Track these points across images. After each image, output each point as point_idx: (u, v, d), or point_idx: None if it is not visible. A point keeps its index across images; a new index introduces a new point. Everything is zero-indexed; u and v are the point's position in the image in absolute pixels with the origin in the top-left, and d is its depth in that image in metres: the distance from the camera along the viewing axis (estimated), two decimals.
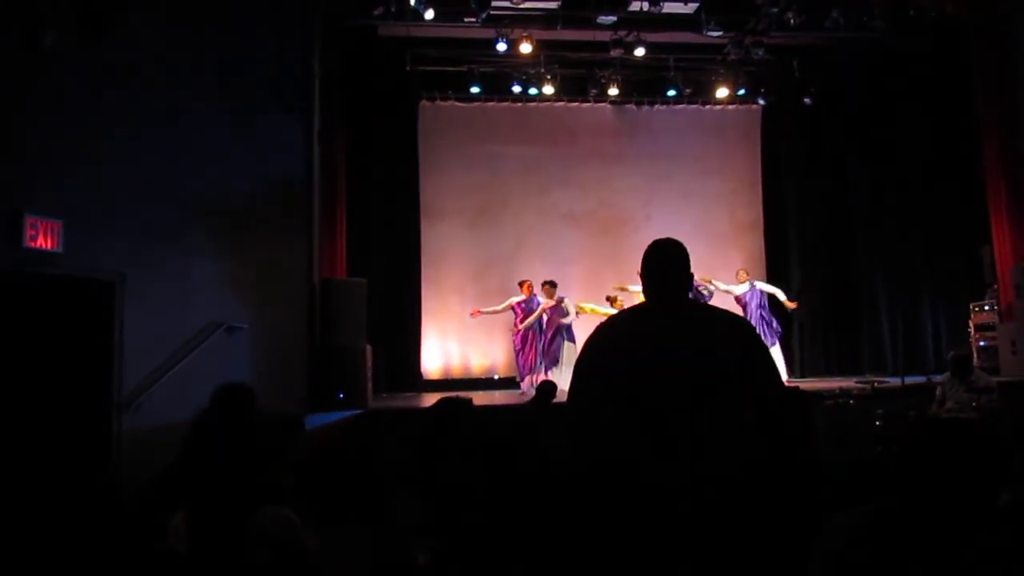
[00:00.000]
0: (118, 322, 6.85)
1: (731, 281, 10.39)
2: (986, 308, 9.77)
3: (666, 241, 3.04)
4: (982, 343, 9.70)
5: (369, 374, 9.17)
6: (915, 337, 10.97)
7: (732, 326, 2.80)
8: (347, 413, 8.43)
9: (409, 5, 9.47)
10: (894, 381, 8.51)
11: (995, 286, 9.71)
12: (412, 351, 11.22)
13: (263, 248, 8.16)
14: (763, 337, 10.14)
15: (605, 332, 3.03)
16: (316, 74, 8.80)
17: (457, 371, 11.64)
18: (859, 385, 8.31)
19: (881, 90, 11.18)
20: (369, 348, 9.22)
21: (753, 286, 10.36)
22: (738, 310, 10.43)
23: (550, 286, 10.27)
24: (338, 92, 9.53)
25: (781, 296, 10.26)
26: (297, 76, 8.52)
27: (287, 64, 8.40)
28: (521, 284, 10.58)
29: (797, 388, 8.95)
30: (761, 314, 10.18)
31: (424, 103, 11.52)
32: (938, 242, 10.93)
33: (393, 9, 9.64)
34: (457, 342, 11.68)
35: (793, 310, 10.59)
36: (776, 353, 10.34)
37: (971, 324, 9.92)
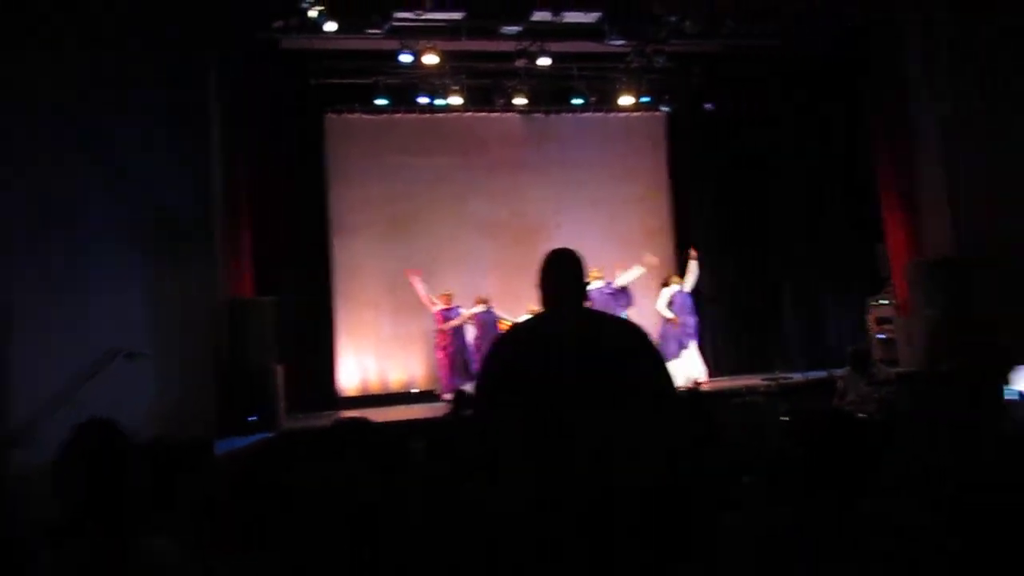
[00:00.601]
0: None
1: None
2: (883, 303, 10.17)
3: (561, 251, 3.06)
4: (881, 336, 10.09)
5: (281, 394, 8.98)
6: (820, 333, 11.36)
7: (626, 332, 2.84)
8: (259, 436, 8.22)
9: (310, 18, 9.33)
10: (798, 377, 8.78)
11: (891, 281, 10.12)
12: (327, 368, 11.03)
13: (165, 270, 7.91)
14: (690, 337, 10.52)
15: (504, 344, 3.03)
16: (214, 89, 8.57)
17: (375, 386, 11.49)
18: (765, 382, 8.55)
19: (780, 94, 11.54)
20: (281, 368, 9.02)
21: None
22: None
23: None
24: (239, 107, 9.30)
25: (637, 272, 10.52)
26: (194, 92, 8.29)
27: (183, 80, 8.17)
28: (441, 295, 10.62)
29: (697, 389, 9.18)
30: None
31: (330, 116, 11.36)
32: (839, 240, 11.33)
33: (294, 22, 9.49)
34: (374, 357, 11.52)
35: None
36: (694, 352, 10.61)
37: (870, 319, 10.32)
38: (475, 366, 10.40)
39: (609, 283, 10.58)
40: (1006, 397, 4.14)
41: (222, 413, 8.22)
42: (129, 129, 7.84)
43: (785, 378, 8.73)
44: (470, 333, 10.82)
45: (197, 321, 8.16)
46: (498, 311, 10.75)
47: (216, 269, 8.50)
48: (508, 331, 3.35)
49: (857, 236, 11.02)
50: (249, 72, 9.71)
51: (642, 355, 2.73)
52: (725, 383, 9.97)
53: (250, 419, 8.48)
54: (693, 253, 10.78)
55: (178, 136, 8.13)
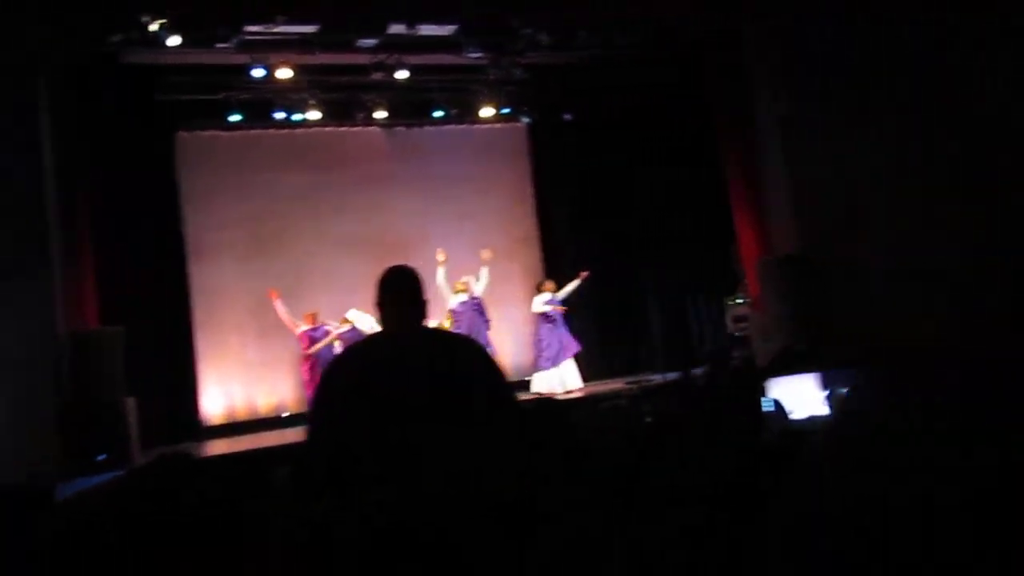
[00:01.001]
0: None
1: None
2: (739, 301, 10.59)
3: (397, 269, 3.03)
4: (738, 334, 10.49)
5: (134, 430, 8.50)
6: (684, 333, 11.69)
7: (465, 348, 2.82)
8: (109, 475, 7.74)
9: (151, 32, 8.92)
10: (657, 379, 9.00)
11: (745, 280, 10.54)
12: (188, 397, 10.54)
13: None
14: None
15: (341, 364, 2.95)
16: (45, 108, 8.05)
17: (242, 413, 11.05)
18: (627, 386, 8.73)
19: (636, 101, 11.79)
20: (133, 401, 8.54)
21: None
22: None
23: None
24: (76, 126, 8.77)
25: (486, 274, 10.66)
26: (22, 112, 7.77)
27: (8, 99, 7.64)
28: (306, 315, 10.36)
29: (549, 399, 9.28)
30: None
31: (181, 134, 10.89)
32: (697, 241, 11.68)
33: (135, 36, 9.05)
34: (240, 382, 11.09)
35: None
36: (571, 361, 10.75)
37: (728, 318, 10.72)
38: None
39: (474, 297, 10.56)
40: (763, 408, 4.21)
41: (67, 454, 7.70)
42: None
43: (646, 380, 8.94)
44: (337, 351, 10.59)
45: (38, 356, 7.65)
46: (365, 329, 10.56)
47: (57, 299, 7.98)
48: (345, 351, 3.28)
49: (714, 237, 11.39)
50: (88, 89, 9.19)
51: (481, 371, 2.74)
52: (593, 389, 10.14)
53: (99, 458, 7.99)
54: (485, 255, 10.73)
55: (5, 159, 7.60)
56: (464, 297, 10.44)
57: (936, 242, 8.03)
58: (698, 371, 8.40)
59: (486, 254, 10.71)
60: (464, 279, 10.57)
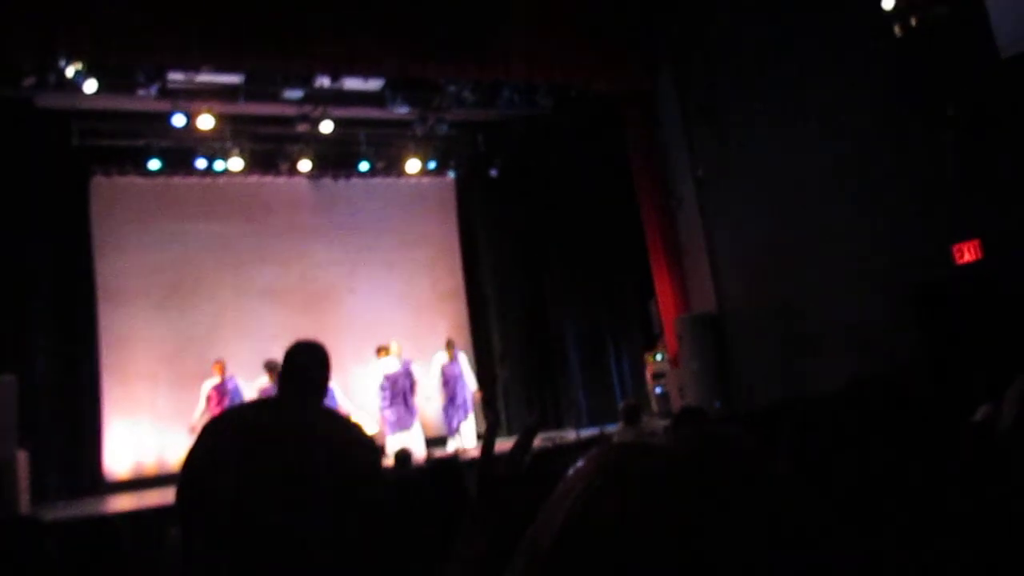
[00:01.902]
0: None
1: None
2: (658, 357, 10.70)
3: (302, 344, 3.07)
4: (658, 390, 10.58)
5: (23, 484, 8.09)
6: (605, 389, 11.73)
7: (342, 429, 2.77)
8: None
9: (68, 76, 8.86)
10: (572, 436, 8.99)
11: (663, 337, 10.67)
12: (91, 450, 10.13)
13: None
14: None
15: (209, 432, 2.88)
16: None
17: (150, 468, 10.67)
18: (543, 444, 8.70)
19: (558, 158, 12.03)
20: (24, 455, 8.18)
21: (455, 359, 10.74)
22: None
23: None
24: None
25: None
26: None
27: None
28: (214, 364, 10.08)
29: (446, 460, 9.14)
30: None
31: (98, 179, 10.72)
32: (617, 297, 11.84)
33: (51, 80, 8.97)
34: (150, 434, 10.73)
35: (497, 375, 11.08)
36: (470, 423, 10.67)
37: (647, 373, 10.81)
38: None
39: (408, 362, 10.48)
40: None
41: None
42: None
43: (561, 438, 8.92)
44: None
45: None
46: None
47: None
48: (218, 416, 3.18)
49: (635, 293, 11.54)
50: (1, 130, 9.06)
51: (352, 454, 2.72)
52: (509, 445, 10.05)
53: None
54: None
55: None
56: (397, 365, 10.35)
57: (847, 302, 8.28)
58: (612, 428, 8.42)
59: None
60: (394, 347, 10.50)
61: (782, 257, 9.14)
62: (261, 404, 2.87)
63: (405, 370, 10.39)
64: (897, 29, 7.37)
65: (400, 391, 10.29)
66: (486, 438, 1.49)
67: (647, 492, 0.59)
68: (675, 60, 10.35)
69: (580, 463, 0.64)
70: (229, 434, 2.72)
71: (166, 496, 8.97)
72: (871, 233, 8.00)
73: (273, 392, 10.22)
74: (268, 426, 2.65)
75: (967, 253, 7.15)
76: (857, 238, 8.16)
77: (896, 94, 7.70)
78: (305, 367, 2.77)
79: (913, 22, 7.34)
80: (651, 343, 11.04)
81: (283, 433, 2.61)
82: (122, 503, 9.24)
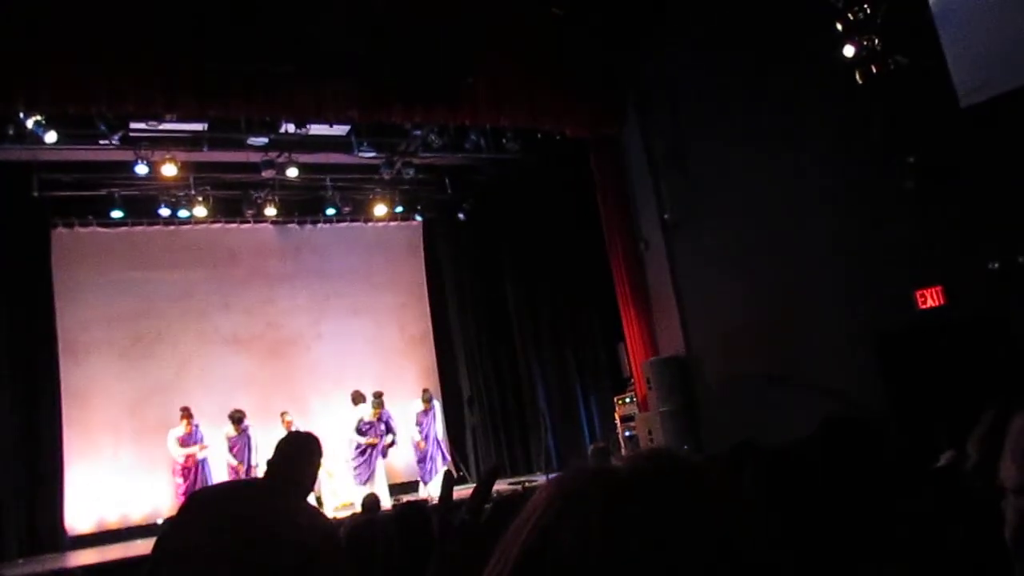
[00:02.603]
0: None
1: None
2: (627, 400, 10.68)
3: (296, 435, 3.03)
4: (627, 433, 10.54)
5: None
6: (574, 432, 11.67)
7: (312, 530, 2.71)
8: None
9: (28, 128, 8.77)
10: (542, 479, 8.92)
11: (633, 380, 10.66)
12: (53, 504, 9.88)
13: None
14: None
15: (185, 515, 2.87)
16: None
17: (113, 521, 10.43)
18: (512, 487, 8.63)
19: (526, 202, 12.05)
20: None
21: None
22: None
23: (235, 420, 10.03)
24: None
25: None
26: None
27: None
28: (181, 411, 9.93)
29: (414, 504, 9.10)
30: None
31: (60, 230, 10.57)
32: (586, 341, 11.81)
33: (11, 132, 8.88)
34: (111, 487, 10.49)
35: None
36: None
37: (616, 416, 10.78)
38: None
39: (387, 415, 10.44)
40: None
41: None
42: None
43: (530, 482, 8.85)
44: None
45: None
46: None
47: None
48: (195, 499, 3.10)
49: (604, 336, 11.55)
50: None
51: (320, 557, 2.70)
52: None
53: None
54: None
55: None
56: (370, 417, 10.32)
57: (815, 347, 8.33)
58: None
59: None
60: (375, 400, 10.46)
61: (751, 302, 9.20)
62: (240, 494, 2.86)
63: (384, 422, 10.33)
64: (858, 76, 7.50)
65: (369, 450, 10.24)
66: (444, 485, 1.46)
67: (608, 511, 0.59)
68: (641, 105, 10.46)
69: (538, 491, 0.64)
70: (202, 524, 2.68)
71: (128, 550, 8.78)
72: (837, 279, 8.10)
73: (238, 443, 10.12)
74: (242, 520, 2.61)
75: (930, 299, 7.24)
76: (824, 283, 8.26)
77: (858, 141, 7.83)
78: (291, 459, 2.76)
79: (874, 70, 7.48)
80: (620, 386, 11.03)
81: (255, 531, 2.57)
82: (84, 557, 9.00)
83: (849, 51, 7.46)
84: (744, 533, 0.60)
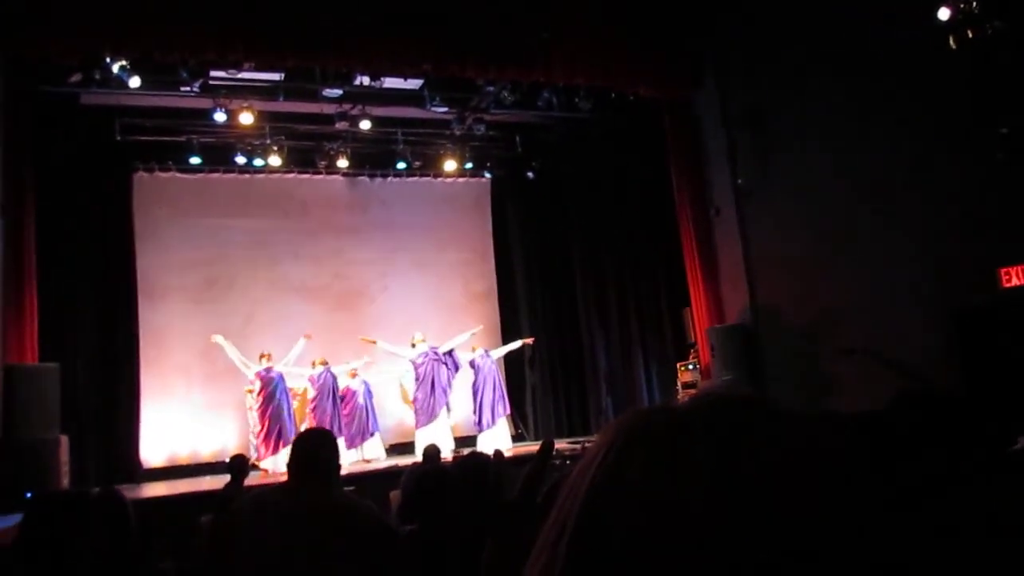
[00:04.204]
0: None
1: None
2: (690, 367, 10.59)
3: (312, 431, 3.16)
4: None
5: (65, 468, 8.32)
6: (633, 396, 11.63)
7: (359, 518, 2.76)
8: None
9: (113, 73, 9.00)
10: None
11: (696, 346, 10.56)
12: (129, 438, 10.33)
13: None
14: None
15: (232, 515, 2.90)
16: None
17: (184, 457, 10.86)
18: (571, 446, 8.68)
19: (595, 163, 11.96)
20: (65, 439, 8.39)
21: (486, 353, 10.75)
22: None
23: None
24: (29, 163, 8.75)
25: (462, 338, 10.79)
26: None
27: None
28: (261, 357, 10.20)
29: (477, 455, 9.18)
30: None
31: (140, 174, 10.88)
32: (650, 305, 11.72)
33: (96, 77, 9.12)
34: (184, 425, 10.91)
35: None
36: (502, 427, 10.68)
37: (678, 382, 10.71)
38: (292, 432, 10.11)
39: (434, 348, 10.55)
40: None
41: None
42: None
43: (590, 441, 8.88)
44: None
45: None
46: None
47: None
48: (243, 501, 3.13)
49: (669, 302, 11.44)
50: (46, 128, 9.20)
51: (366, 541, 2.68)
52: (535, 447, 10.04)
53: (27, 495, 7.81)
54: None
55: None
56: (424, 348, 10.44)
57: (886, 322, 8.11)
58: None
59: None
60: (420, 335, 10.59)
61: (822, 272, 8.98)
62: (280, 491, 2.85)
63: (433, 353, 10.44)
64: (952, 41, 7.15)
65: (428, 376, 10.35)
66: (539, 459, 1.44)
67: (673, 445, 0.58)
68: (719, 67, 10.19)
69: (601, 433, 0.63)
70: (252, 521, 2.72)
71: (197, 485, 9.16)
72: (915, 252, 7.83)
73: (320, 382, 10.35)
74: (289, 516, 2.65)
75: (1015, 277, 6.96)
76: (901, 257, 7.99)
77: (947, 109, 7.50)
78: (315, 452, 2.79)
79: (969, 35, 7.12)
80: (683, 353, 10.93)
81: (303, 525, 2.61)
82: (156, 490, 9.41)
83: (944, 14, 7.11)
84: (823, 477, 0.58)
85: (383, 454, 10.54)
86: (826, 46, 8.66)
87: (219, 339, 9.97)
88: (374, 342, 10.56)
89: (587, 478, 0.60)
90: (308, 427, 9.83)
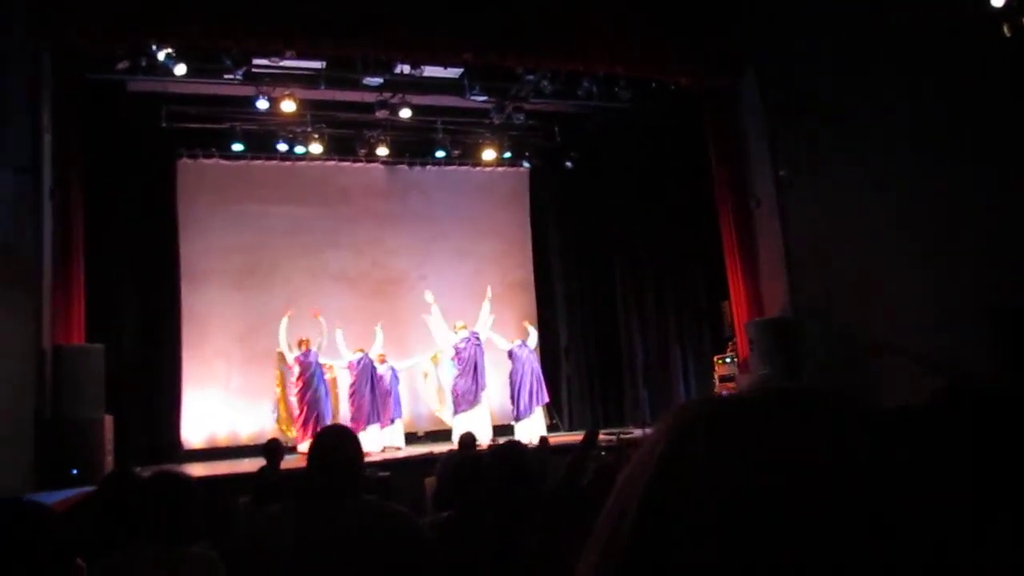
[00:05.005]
0: None
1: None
2: (727, 360, 10.49)
3: (331, 428, 2.96)
4: (724, 393, 10.37)
5: (109, 447, 8.54)
6: (669, 388, 11.56)
7: (395, 527, 2.64)
8: (79, 490, 7.78)
9: (159, 61, 9.16)
10: (638, 432, 8.93)
11: (734, 340, 10.45)
12: (170, 419, 10.56)
13: None
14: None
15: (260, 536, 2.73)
16: (47, 129, 8.25)
17: (223, 439, 11.06)
18: (607, 437, 8.67)
19: (634, 153, 11.86)
20: (110, 419, 8.60)
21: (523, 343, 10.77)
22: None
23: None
24: (78, 148, 8.95)
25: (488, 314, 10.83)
26: (23, 131, 7.96)
27: (9, 119, 7.85)
28: (300, 343, 10.34)
29: (514, 444, 9.22)
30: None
31: (184, 161, 11.08)
32: (688, 297, 11.63)
33: (143, 64, 9.28)
34: (223, 408, 11.11)
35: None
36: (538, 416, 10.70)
37: (715, 375, 10.63)
38: (329, 417, 10.27)
39: (475, 333, 10.62)
40: None
41: (41, 466, 7.77)
42: None
43: (626, 433, 8.88)
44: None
45: (19, 368, 7.75)
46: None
47: (44, 314, 8.11)
48: (268, 518, 2.88)
49: (707, 293, 11.34)
50: (93, 115, 9.40)
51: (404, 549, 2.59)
52: (571, 438, 10.04)
53: (72, 472, 8.04)
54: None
55: (5, 175, 7.79)
56: (466, 334, 10.51)
57: (926, 320, 7.95)
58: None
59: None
60: (461, 322, 10.66)
61: (863, 266, 8.82)
62: (308, 502, 2.67)
63: (474, 339, 10.49)
64: (1006, 29, 6.96)
65: (471, 361, 10.42)
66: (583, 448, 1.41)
67: (738, 430, 0.58)
68: (761, 56, 10.03)
69: (657, 424, 0.63)
70: (285, 537, 2.63)
71: (236, 467, 9.33)
72: (961, 247, 7.65)
73: (359, 368, 10.45)
74: (314, 537, 2.57)
75: None
76: (945, 251, 7.81)
77: (998, 99, 7.30)
78: (337, 449, 2.63)
79: None
80: (720, 345, 10.83)
81: (329, 545, 2.49)
82: (196, 470, 9.59)
83: (998, 1, 6.93)
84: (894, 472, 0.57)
85: (403, 442, 10.63)
86: (871, 34, 8.46)
87: (322, 320, 10.43)
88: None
89: (650, 462, 0.60)
90: (335, 420, 9.98)
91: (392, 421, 10.58)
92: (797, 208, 9.75)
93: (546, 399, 10.77)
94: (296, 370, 10.34)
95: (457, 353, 10.56)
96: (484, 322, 10.72)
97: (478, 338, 10.62)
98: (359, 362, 10.44)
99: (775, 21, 9.78)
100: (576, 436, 10.64)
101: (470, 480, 4.58)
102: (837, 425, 0.59)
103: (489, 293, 10.85)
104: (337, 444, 2.65)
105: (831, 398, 0.62)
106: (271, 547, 2.55)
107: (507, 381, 10.72)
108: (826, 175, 9.32)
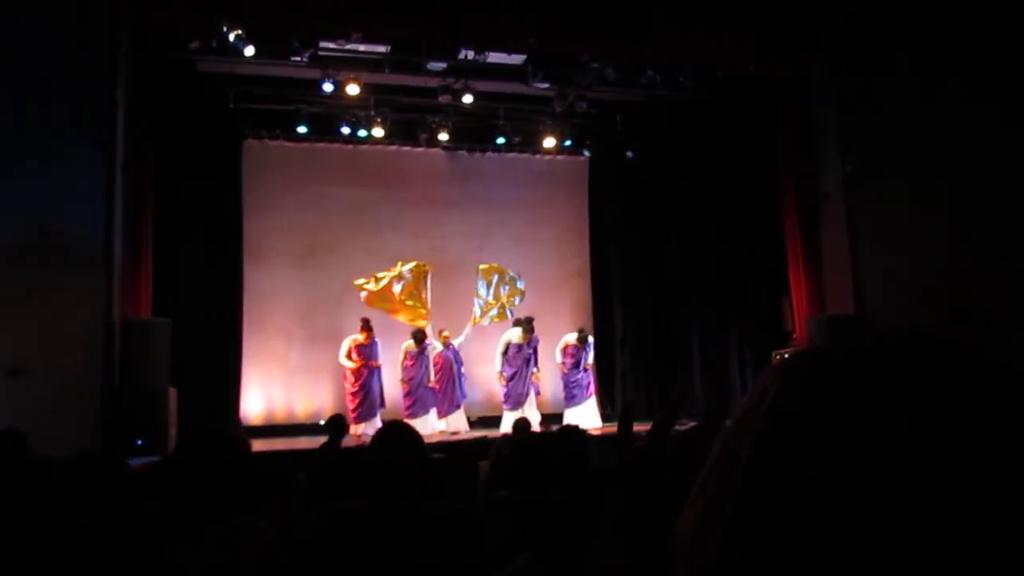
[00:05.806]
0: None
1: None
2: (785, 356, 10.27)
3: (394, 426, 2.89)
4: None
5: (172, 419, 8.75)
6: (725, 382, 11.41)
7: (456, 529, 2.60)
8: (144, 460, 8.00)
9: (229, 41, 9.30)
10: (691, 424, 8.81)
11: (795, 335, 10.26)
12: (230, 395, 10.77)
13: (54, 287, 7.76)
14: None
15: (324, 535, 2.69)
16: (121, 106, 8.46)
17: (281, 416, 11.26)
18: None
19: (696, 145, 11.69)
20: (174, 391, 8.81)
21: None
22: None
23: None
24: (150, 126, 9.18)
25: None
26: (99, 107, 8.17)
27: (87, 95, 8.06)
28: (362, 324, 10.45)
29: (575, 428, 9.21)
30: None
31: (250, 141, 11.26)
32: (748, 291, 11.45)
33: (214, 45, 9.44)
34: (281, 386, 11.32)
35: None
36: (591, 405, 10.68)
37: None
38: (380, 405, 10.43)
39: (535, 340, 10.76)
40: None
41: (108, 435, 8.00)
42: (25, 139, 7.73)
43: (682, 423, 8.76)
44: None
45: (90, 340, 8.00)
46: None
47: (114, 287, 8.34)
48: (328, 523, 2.74)
49: (767, 288, 11.15)
50: (165, 94, 9.62)
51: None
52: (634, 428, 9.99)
53: (137, 442, 8.27)
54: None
55: (79, 154, 8.01)
56: (519, 331, 10.74)
57: (1005, 327, 7.68)
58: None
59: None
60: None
61: (932, 267, 8.56)
62: (373, 518, 2.61)
63: (533, 348, 10.56)
64: None
65: (523, 362, 10.46)
66: (623, 420, 1.40)
67: (853, 375, 0.58)
68: (833, 44, 9.78)
69: (767, 374, 0.63)
70: (346, 548, 2.53)
71: (293, 443, 9.50)
72: None
73: (416, 360, 10.56)
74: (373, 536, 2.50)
75: None
76: (1016, 253, 7.53)
77: None
78: (396, 452, 2.59)
79: None
80: (780, 340, 10.64)
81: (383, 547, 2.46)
82: (256, 445, 9.78)
83: None
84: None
85: (466, 426, 10.68)
86: (949, 32, 8.20)
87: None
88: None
89: (763, 408, 0.59)
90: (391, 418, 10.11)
91: (457, 407, 10.67)
92: (866, 204, 9.51)
93: (595, 390, 10.80)
94: (354, 355, 10.47)
95: (508, 348, 10.63)
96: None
97: (535, 347, 10.76)
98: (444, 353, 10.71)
99: (851, 9, 9.53)
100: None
101: (534, 458, 4.59)
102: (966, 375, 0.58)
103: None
104: (402, 441, 2.64)
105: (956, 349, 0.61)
106: (344, 546, 2.53)
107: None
108: (897, 171, 9.07)
